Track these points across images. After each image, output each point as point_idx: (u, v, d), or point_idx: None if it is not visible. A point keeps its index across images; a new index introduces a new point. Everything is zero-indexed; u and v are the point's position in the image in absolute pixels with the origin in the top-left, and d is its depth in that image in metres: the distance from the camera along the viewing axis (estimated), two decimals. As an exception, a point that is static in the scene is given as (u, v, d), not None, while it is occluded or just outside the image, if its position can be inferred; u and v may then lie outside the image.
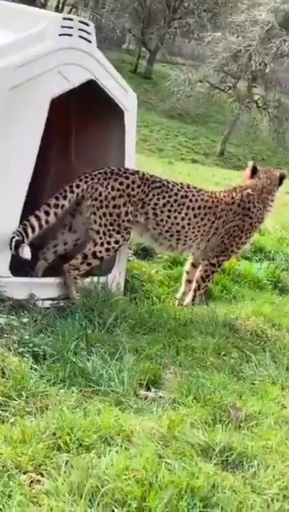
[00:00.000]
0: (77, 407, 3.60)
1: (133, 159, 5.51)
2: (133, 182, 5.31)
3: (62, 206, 5.12)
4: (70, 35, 5.00)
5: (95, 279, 5.21)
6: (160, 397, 3.96)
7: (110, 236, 5.25)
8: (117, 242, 5.28)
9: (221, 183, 14.70)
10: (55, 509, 2.71)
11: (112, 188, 5.23)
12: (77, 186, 5.19)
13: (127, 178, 5.30)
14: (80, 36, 5.06)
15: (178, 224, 5.49)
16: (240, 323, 5.37)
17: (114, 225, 5.24)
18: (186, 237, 5.58)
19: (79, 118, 5.95)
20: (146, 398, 3.90)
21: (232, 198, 5.82)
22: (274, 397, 4.20)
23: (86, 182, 5.21)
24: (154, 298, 5.54)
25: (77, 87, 5.10)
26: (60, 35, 4.92)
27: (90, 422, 3.41)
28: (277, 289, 6.96)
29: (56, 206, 5.10)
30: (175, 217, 5.46)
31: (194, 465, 3.17)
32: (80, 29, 5.03)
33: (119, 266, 5.43)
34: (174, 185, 5.53)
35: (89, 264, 5.24)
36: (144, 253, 6.60)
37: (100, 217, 5.22)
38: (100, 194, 5.21)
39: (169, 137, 28.80)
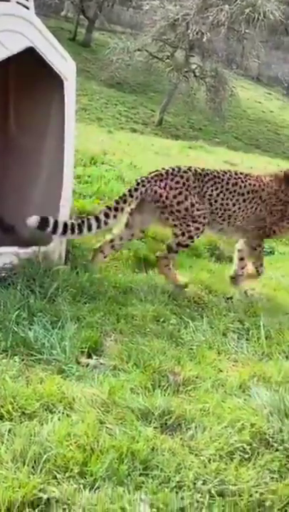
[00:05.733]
0: (20, 376, 3.66)
1: (73, 128, 5.51)
2: (188, 179, 5.60)
3: (122, 209, 5.50)
4: (8, 0, 4.91)
5: (36, 248, 5.22)
6: (101, 364, 4.03)
7: (188, 226, 5.59)
8: (197, 228, 5.63)
9: (160, 153, 14.76)
10: (-2, 476, 2.78)
11: (170, 188, 5.54)
12: (136, 190, 5.52)
13: (181, 176, 5.59)
14: (18, 2, 4.96)
15: (230, 209, 5.79)
16: (178, 290, 5.48)
17: (186, 217, 5.56)
18: (235, 219, 5.86)
19: (18, 86, 5.89)
20: (87, 365, 3.97)
21: (279, 184, 6.02)
22: (211, 361, 4.30)
23: (144, 186, 5.54)
24: (95, 267, 5.58)
25: (16, 55, 5.04)
26: (-3, 1, 4.84)
27: (32, 390, 3.49)
28: (214, 256, 7.12)
29: (116, 209, 5.47)
30: (227, 204, 5.77)
31: (134, 429, 3.27)
32: (17, -5, 4.95)
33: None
34: (224, 175, 5.80)
35: (176, 252, 5.69)
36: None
37: (170, 214, 5.56)
38: (161, 196, 5.53)
39: (108, 106, 28.55)
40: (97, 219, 5.43)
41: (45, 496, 2.75)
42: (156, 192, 5.53)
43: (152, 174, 5.63)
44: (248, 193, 5.85)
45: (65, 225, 5.29)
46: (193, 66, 29.89)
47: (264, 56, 34.99)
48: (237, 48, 31.41)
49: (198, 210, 5.59)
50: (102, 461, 2.99)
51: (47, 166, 5.70)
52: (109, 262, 5.85)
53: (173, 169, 5.65)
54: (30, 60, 5.20)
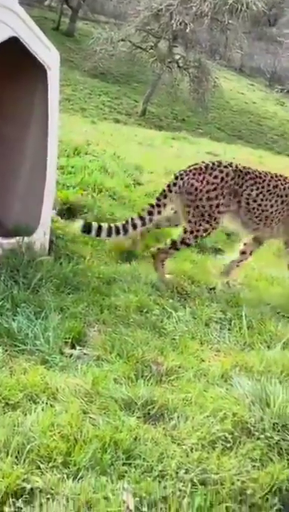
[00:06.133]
0: (3, 366, 3.68)
1: (57, 118, 5.49)
2: (227, 175, 5.69)
3: (164, 204, 5.66)
4: (-9, -10, 4.89)
5: (20, 239, 5.22)
6: (84, 354, 4.06)
7: (200, 225, 5.67)
8: (205, 230, 5.71)
9: (143, 143, 14.76)
10: (-18, 467, 2.80)
11: (207, 182, 5.62)
12: (174, 184, 5.64)
13: (221, 171, 5.68)
14: (1, -9, 4.95)
15: (267, 210, 5.87)
16: (162, 281, 5.49)
17: (204, 215, 5.64)
18: (272, 220, 5.93)
19: (1, 76, 5.85)
20: (71, 356, 3.99)
21: None
22: (193, 351, 4.33)
23: (182, 179, 5.64)
24: (79, 257, 5.58)
25: (-1, 44, 5.01)
26: (-21, -10, 4.80)
27: (15, 380, 3.50)
28: (197, 247, 7.14)
29: (158, 206, 5.64)
30: (265, 205, 5.85)
31: (117, 419, 3.30)
32: (0, -16, 4.91)
33: (43, 226, 5.44)
34: (265, 176, 5.89)
35: (177, 249, 5.74)
36: (69, 213, 6.62)
37: (194, 209, 5.63)
38: (196, 189, 5.61)
39: (92, 96, 28.48)
40: (142, 218, 5.59)
41: (28, 486, 2.77)
42: (192, 185, 5.62)
43: (191, 167, 5.72)
44: (287, 196, 5.93)
45: (109, 227, 5.50)
46: (177, 57, 29.86)
47: (247, 47, 35.06)
48: (220, 39, 31.46)
49: (218, 212, 5.69)
50: (86, 450, 3.01)
51: (30, 156, 5.69)
52: (93, 253, 5.84)
53: (213, 163, 5.75)
54: (13, 49, 5.16)
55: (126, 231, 5.55)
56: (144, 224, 5.61)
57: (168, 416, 3.46)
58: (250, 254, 6.21)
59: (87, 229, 5.47)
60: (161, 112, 30.66)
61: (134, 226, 5.57)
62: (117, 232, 5.52)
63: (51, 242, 5.53)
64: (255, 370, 4.07)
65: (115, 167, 8.83)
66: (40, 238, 5.36)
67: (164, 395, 3.61)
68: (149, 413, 3.46)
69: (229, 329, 4.80)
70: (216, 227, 5.79)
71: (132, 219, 5.58)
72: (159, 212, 5.66)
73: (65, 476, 2.88)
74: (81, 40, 33.66)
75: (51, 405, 3.35)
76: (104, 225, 5.51)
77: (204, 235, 5.76)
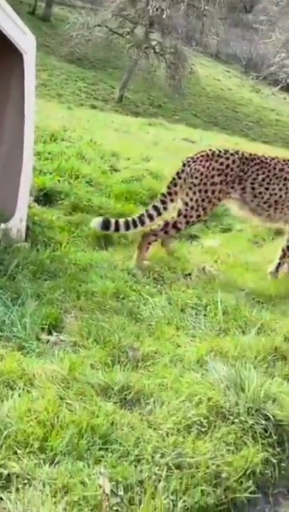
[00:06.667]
0: (-20, 353, 3.68)
1: (33, 103, 5.46)
2: (233, 162, 5.82)
3: (176, 192, 5.82)
4: None
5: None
6: (61, 340, 4.07)
7: (196, 210, 5.82)
8: (198, 216, 5.88)
9: (120, 130, 14.71)
10: None
11: (213, 168, 5.77)
12: (182, 171, 5.81)
13: (227, 158, 5.82)
14: (-24, -24, 4.91)
15: (276, 194, 5.94)
16: (138, 268, 5.52)
17: (205, 201, 5.78)
18: (282, 205, 6.00)
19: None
20: (48, 342, 4.00)
21: None
22: (169, 337, 4.35)
23: (189, 166, 5.81)
24: (55, 244, 5.58)
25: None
26: None
27: (-8, 367, 3.51)
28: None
29: (170, 194, 5.83)
30: (273, 189, 5.92)
31: (94, 404, 3.32)
32: None
33: (20, 212, 5.42)
34: (271, 160, 5.98)
35: (166, 232, 5.88)
36: (45, 199, 6.61)
37: (194, 193, 5.77)
38: (202, 174, 5.77)
39: (68, 82, 28.32)
40: (156, 207, 5.77)
41: (5, 472, 2.79)
42: (198, 170, 5.76)
43: (198, 154, 5.85)
44: None
45: (126, 221, 5.72)
46: (153, 43, 29.78)
47: (223, 33, 35.07)
48: (196, 25, 31.41)
49: (217, 199, 5.82)
50: (62, 436, 3.03)
51: (7, 142, 5.66)
52: (70, 239, 5.84)
53: (220, 151, 5.86)
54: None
55: (142, 222, 5.75)
56: (159, 214, 5.80)
57: (144, 401, 3.49)
58: None
59: (105, 226, 5.67)
60: (137, 98, 30.59)
61: (150, 216, 5.77)
62: (134, 224, 5.72)
63: (28, 228, 5.52)
64: (230, 355, 4.11)
65: (92, 153, 8.81)
66: (16, 224, 5.34)
67: (140, 381, 3.63)
68: (125, 398, 3.48)
69: (205, 315, 4.82)
70: (209, 214, 5.97)
71: (146, 210, 5.78)
72: (172, 200, 5.82)
73: (41, 461, 2.90)
74: (57, 25, 33.40)
75: (28, 391, 3.36)
76: (121, 220, 5.71)
77: (196, 221, 5.91)
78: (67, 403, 3.30)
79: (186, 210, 5.79)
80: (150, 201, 7.41)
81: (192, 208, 5.78)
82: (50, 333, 4.14)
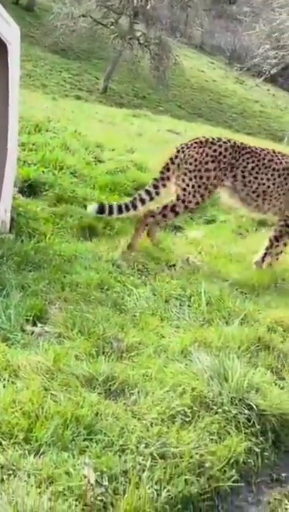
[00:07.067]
0: None
1: (17, 94, 5.43)
2: (226, 149, 5.92)
3: (168, 178, 5.93)
4: None
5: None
6: (46, 331, 4.07)
7: (193, 196, 5.91)
8: (197, 202, 5.96)
9: (104, 121, 14.67)
10: None
11: (207, 155, 5.88)
12: (176, 157, 5.92)
13: (220, 146, 5.92)
14: None
15: (264, 184, 6.01)
16: (123, 259, 5.51)
17: (201, 186, 5.88)
18: (271, 196, 6.07)
19: None
20: (32, 333, 4.00)
21: None
22: (153, 327, 4.37)
23: (183, 152, 5.92)
24: (40, 235, 5.57)
25: None
26: None
27: (-23, 359, 3.51)
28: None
29: (162, 179, 5.93)
30: (262, 179, 6.00)
31: (79, 395, 3.33)
32: None
33: (4, 203, 5.40)
34: (261, 150, 6.08)
35: (164, 215, 5.96)
36: (30, 190, 6.59)
37: (190, 179, 5.86)
38: (196, 160, 5.87)
39: (52, 73, 28.16)
40: (148, 192, 5.87)
41: (-10, 462, 2.80)
42: (192, 156, 5.85)
43: (192, 141, 5.95)
44: (284, 169, 6.06)
45: (119, 205, 5.85)
46: (138, 33, 29.65)
47: (207, 25, 35.00)
48: (181, 16, 31.33)
49: (212, 185, 5.90)
50: (47, 427, 3.04)
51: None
52: (54, 231, 5.84)
53: (213, 138, 5.97)
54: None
55: (135, 206, 5.87)
56: (151, 198, 5.90)
57: (128, 391, 3.51)
58: None
59: (100, 210, 5.80)
60: (122, 89, 30.50)
61: (142, 201, 5.87)
62: (127, 208, 5.85)
63: (12, 219, 5.51)
64: (214, 345, 4.14)
65: (76, 144, 8.78)
66: (1, 216, 5.33)
67: (124, 371, 3.65)
68: (110, 389, 3.49)
69: (189, 306, 4.85)
70: (206, 200, 6.05)
71: (139, 194, 5.89)
72: (164, 185, 5.92)
73: (26, 452, 2.91)
74: (41, 15, 33.15)
75: (13, 382, 3.37)
76: (114, 204, 5.85)
77: (194, 207, 5.99)
78: (51, 394, 3.31)
79: (183, 195, 5.88)
80: (135, 192, 7.44)
81: (189, 193, 5.87)
82: (34, 324, 4.14)
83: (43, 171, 7.14)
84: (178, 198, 5.91)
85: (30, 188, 6.66)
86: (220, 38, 42.54)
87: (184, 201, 5.89)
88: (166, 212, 5.91)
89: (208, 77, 37.93)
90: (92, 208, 5.87)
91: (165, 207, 5.91)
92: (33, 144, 8.17)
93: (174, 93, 32.53)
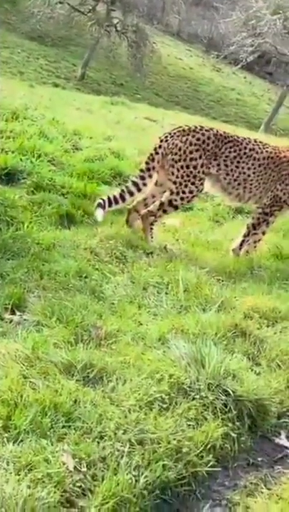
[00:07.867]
0: None
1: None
2: (208, 138, 5.97)
3: (153, 168, 5.98)
4: None
5: None
6: (24, 320, 4.08)
7: (186, 186, 5.98)
8: (191, 192, 6.01)
9: (81, 108, 14.61)
10: None
11: (190, 143, 5.92)
12: (160, 147, 5.97)
13: (203, 134, 5.96)
14: None
15: (244, 173, 6.07)
16: (101, 247, 5.52)
17: (190, 176, 5.94)
18: (251, 185, 6.14)
19: None
20: (11, 322, 4.02)
21: None
22: (131, 315, 4.40)
23: (166, 141, 5.97)
24: (18, 223, 5.55)
25: None
26: None
27: None
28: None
29: (148, 169, 5.97)
30: (242, 167, 6.06)
31: (57, 383, 3.35)
32: None
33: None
34: (243, 139, 6.13)
35: (165, 211, 6.06)
36: (7, 178, 6.55)
37: (178, 170, 5.91)
38: (180, 149, 5.92)
39: (30, 60, 27.96)
40: (135, 183, 5.93)
41: None
42: (176, 145, 5.90)
43: (175, 130, 5.99)
44: (264, 159, 6.13)
45: (109, 198, 5.93)
46: (115, 21, 29.53)
47: (184, 12, 34.90)
48: (158, 3, 31.21)
49: (202, 173, 5.95)
50: (26, 414, 3.06)
51: None
52: (33, 219, 5.82)
53: (196, 127, 6.00)
54: None
55: (124, 199, 5.95)
56: (139, 189, 5.96)
57: (107, 379, 3.53)
58: None
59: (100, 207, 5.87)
60: (99, 76, 30.39)
61: (131, 193, 5.94)
62: (116, 201, 5.93)
63: (-11, 207, 5.48)
64: (191, 332, 4.17)
65: (54, 132, 8.72)
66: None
67: (103, 359, 3.67)
68: (88, 376, 3.51)
69: (166, 293, 4.87)
70: (201, 189, 6.06)
71: (126, 187, 5.95)
72: (150, 176, 5.97)
73: (5, 439, 2.93)
74: (18, 2, 32.81)
75: (-9, 371, 3.38)
76: (105, 197, 5.92)
77: (190, 197, 6.05)
78: (30, 382, 3.32)
79: (176, 188, 5.95)
80: (113, 180, 7.45)
81: (181, 184, 5.93)
82: (13, 312, 4.15)
83: (21, 159, 7.09)
84: (172, 192, 5.97)
85: (7, 176, 6.61)
86: (197, 26, 42.45)
87: (178, 193, 5.96)
88: (164, 207, 6.00)
89: (186, 65, 37.90)
90: (98, 213, 5.89)
91: (162, 203, 5.99)
92: (11, 132, 8.11)
93: (152, 81, 32.48)
